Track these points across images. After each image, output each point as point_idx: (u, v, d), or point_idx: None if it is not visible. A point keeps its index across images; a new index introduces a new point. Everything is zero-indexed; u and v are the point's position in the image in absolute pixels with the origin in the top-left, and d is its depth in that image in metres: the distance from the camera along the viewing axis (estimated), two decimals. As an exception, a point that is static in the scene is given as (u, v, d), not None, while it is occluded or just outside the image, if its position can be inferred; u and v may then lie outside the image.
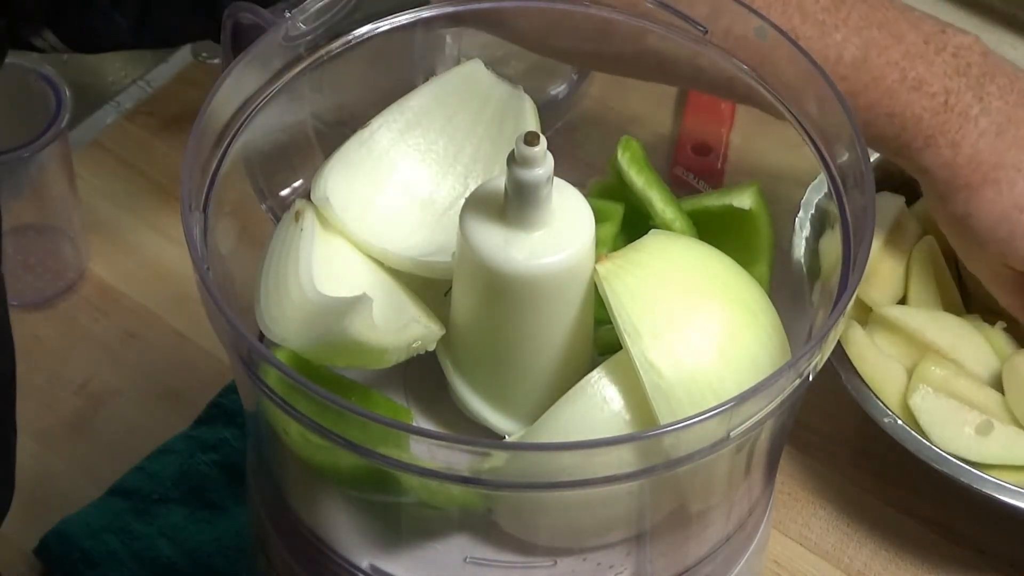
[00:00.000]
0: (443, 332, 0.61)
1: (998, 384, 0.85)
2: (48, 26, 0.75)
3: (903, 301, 0.88)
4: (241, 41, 0.65)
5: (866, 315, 0.86)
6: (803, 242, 0.78)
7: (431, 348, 0.61)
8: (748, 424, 0.55)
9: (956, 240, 0.83)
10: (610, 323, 0.58)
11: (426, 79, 0.67)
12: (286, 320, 0.59)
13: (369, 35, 0.66)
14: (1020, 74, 0.79)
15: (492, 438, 0.61)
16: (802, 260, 0.76)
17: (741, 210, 0.66)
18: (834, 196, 0.62)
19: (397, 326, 0.60)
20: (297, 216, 0.62)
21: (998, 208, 0.79)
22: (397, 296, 0.62)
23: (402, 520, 0.63)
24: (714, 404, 0.54)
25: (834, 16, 0.76)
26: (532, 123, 0.66)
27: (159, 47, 1.02)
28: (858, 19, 0.76)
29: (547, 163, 0.56)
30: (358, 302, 0.57)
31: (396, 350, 0.59)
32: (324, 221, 0.62)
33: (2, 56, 0.73)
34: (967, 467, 0.79)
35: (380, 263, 0.63)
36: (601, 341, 0.62)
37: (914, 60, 0.77)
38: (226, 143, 0.62)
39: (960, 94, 0.77)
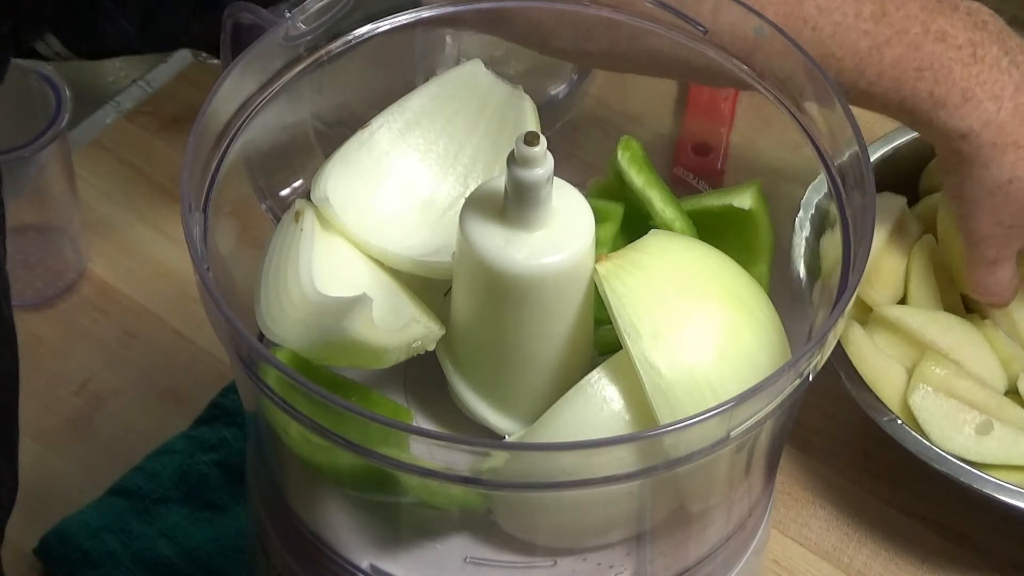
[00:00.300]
0: (443, 332, 0.61)
1: (1003, 387, 0.85)
2: (52, 31, 0.75)
3: (903, 301, 0.88)
4: (241, 41, 0.65)
5: (866, 315, 0.86)
6: (803, 242, 0.78)
7: (431, 348, 0.61)
8: (748, 424, 0.55)
9: (981, 218, 0.80)
10: (610, 323, 0.58)
11: (426, 79, 0.67)
12: (286, 320, 0.59)
13: (369, 35, 0.66)
14: None
15: (492, 438, 0.61)
16: (802, 260, 0.76)
17: (741, 210, 0.65)
18: (834, 196, 0.62)
19: (397, 326, 0.60)
20: (297, 216, 0.62)
21: None
22: (397, 296, 0.62)
23: (402, 520, 0.63)
24: (714, 404, 0.54)
25: None
26: (532, 123, 0.65)
27: (165, 50, 1.02)
28: None
29: (547, 163, 0.56)
30: (358, 302, 0.57)
31: (396, 350, 0.59)
32: (324, 221, 0.62)
33: (6, 61, 0.73)
34: (967, 467, 0.79)
35: (380, 263, 0.63)
36: (601, 341, 0.62)
37: (933, 14, 0.76)
38: (226, 143, 0.62)
39: (986, 46, 0.77)
